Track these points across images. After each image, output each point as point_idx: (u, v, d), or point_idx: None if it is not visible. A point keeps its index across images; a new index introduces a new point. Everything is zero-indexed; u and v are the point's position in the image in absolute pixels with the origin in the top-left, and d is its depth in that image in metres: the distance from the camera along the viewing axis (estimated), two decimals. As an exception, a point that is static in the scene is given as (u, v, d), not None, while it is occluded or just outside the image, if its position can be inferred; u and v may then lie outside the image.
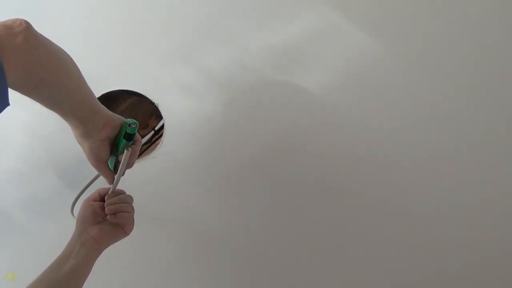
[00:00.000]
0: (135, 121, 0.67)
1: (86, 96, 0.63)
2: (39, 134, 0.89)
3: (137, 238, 0.74)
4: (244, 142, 0.81)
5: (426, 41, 0.70)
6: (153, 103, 0.83)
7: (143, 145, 0.94)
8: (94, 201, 0.72)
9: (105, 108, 0.66)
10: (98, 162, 0.68)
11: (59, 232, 0.91)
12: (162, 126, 0.84)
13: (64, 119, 0.64)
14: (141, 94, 0.84)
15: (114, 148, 0.69)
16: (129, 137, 0.67)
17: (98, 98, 0.84)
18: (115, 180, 0.71)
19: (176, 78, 0.81)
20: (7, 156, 0.91)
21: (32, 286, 0.60)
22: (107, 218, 0.69)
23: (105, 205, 0.70)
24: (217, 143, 0.82)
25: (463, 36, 0.69)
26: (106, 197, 0.72)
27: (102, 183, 0.80)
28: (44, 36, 0.55)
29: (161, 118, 0.84)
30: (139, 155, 0.91)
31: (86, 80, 0.64)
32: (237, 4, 0.77)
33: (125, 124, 0.67)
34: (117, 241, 0.71)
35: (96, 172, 0.77)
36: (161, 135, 0.85)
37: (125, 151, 0.68)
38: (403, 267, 0.78)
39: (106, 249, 0.71)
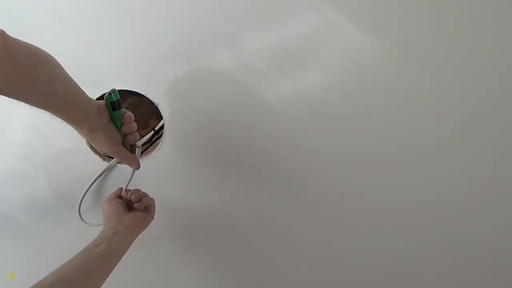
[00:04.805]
0: (112, 89, 0.67)
1: (77, 88, 0.64)
2: (40, 133, 0.89)
3: (137, 238, 0.74)
4: (245, 142, 0.80)
5: (426, 41, 0.70)
6: (153, 103, 0.83)
7: (143, 145, 0.94)
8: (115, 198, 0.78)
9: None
10: (117, 146, 0.71)
11: (59, 232, 0.92)
12: (162, 126, 0.84)
13: (69, 121, 0.65)
14: (141, 94, 0.84)
15: None
16: (118, 106, 0.68)
17: (98, 98, 0.85)
18: (136, 152, 0.77)
19: (176, 78, 0.81)
20: (7, 156, 0.91)
21: (61, 268, 0.62)
22: (135, 206, 0.76)
23: (128, 196, 0.77)
24: (217, 143, 0.82)
25: (464, 36, 0.69)
26: (123, 192, 0.78)
27: (102, 183, 0.80)
28: (20, 40, 0.56)
29: (161, 118, 0.84)
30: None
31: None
32: (237, 4, 0.76)
33: (106, 98, 0.67)
34: (147, 225, 0.76)
35: (96, 174, 0.77)
36: (161, 135, 0.85)
37: (125, 114, 0.70)
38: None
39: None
